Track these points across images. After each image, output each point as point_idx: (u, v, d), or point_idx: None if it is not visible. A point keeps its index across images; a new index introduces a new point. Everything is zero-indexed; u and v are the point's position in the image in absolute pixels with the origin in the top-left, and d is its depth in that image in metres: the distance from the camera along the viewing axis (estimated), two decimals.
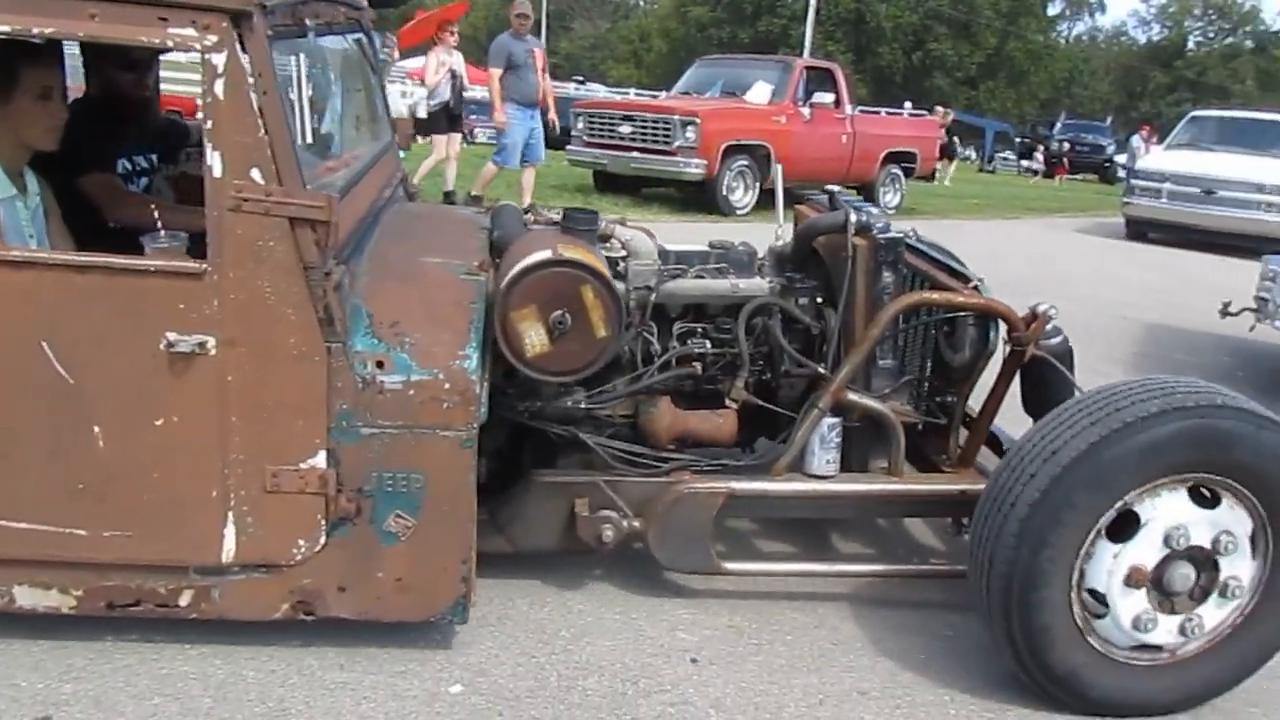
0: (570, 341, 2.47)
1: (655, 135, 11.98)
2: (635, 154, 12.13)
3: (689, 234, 3.09)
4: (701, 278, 3.03)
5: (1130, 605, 2.41)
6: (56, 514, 2.30)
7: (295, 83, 2.40)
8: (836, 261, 2.99)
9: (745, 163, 12.27)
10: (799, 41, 31.00)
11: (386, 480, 2.39)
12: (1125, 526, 2.38)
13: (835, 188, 3.23)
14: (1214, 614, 2.48)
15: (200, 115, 2.16)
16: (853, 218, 2.92)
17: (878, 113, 17.74)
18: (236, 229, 2.18)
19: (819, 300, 3.05)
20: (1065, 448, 2.30)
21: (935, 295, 2.90)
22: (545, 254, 2.43)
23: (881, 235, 2.91)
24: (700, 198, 12.28)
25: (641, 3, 53.48)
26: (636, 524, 2.77)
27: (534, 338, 2.45)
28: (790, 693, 2.54)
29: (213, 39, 2.09)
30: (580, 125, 12.76)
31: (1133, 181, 14.22)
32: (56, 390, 2.22)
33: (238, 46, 2.11)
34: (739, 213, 12.26)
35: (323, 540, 2.40)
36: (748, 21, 37.66)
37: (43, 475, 2.27)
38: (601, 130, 12.64)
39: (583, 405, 2.81)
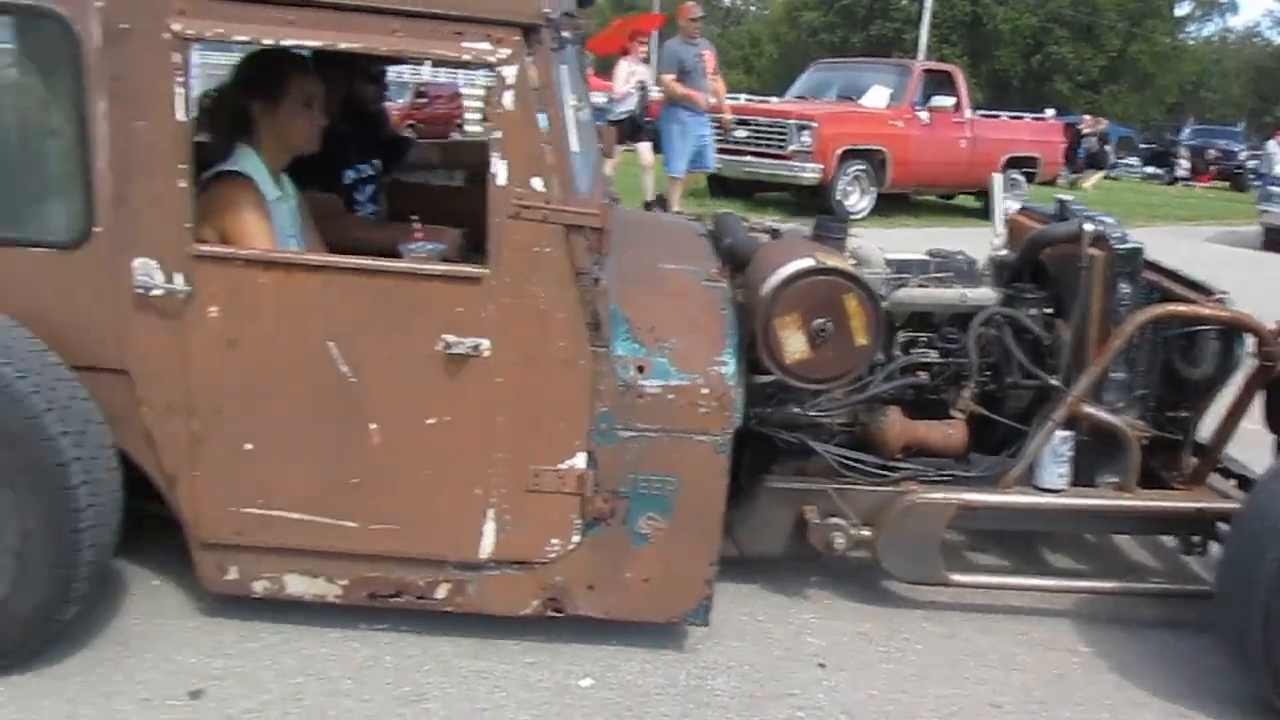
0: (830, 349, 2.48)
1: (770, 139, 11.90)
2: (749, 158, 12.06)
3: None
4: (924, 286, 3.01)
5: None
6: (331, 506, 2.41)
7: (561, 93, 2.46)
8: (1067, 272, 2.94)
9: (861, 167, 12.13)
10: (912, 45, 30.51)
11: (641, 482, 2.44)
12: None
13: (1066, 196, 3.18)
14: None
15: (488, 126, 2.23)
16: (1088, 228, 2.87)
17: (998, 116, 17.38)
18: (515, 235, 2.25)
19: (1048, 311, 3.00)
20: None
21: (1181, 308, 2.83)
22: (808, 262, 2.44)
23: (1119, 246, 2.86)
24: (814, 202, 12.12)
25: (752, 8, 53.30)
26: (865, 532, 2.77)
27: (794, 344, 2.47)
28: (923, 702, 2.51)
29: (505, 52, 2.16)
30: None
31: (1270, 188, 13.63)
32: (339, 388, 2.32)
33: (526, 59, 2.17)
34: (854, 218, 12.08)
35: (576, 539, 2.46)
36: (860, 25, 37.15)
37: (320, 469, 2.38)
38: (716, 135, 12.65)
39: (809, 412, 2.83)
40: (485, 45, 2.16)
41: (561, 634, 2.64)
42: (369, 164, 3.44)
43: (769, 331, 2.46)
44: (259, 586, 2.49)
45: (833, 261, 2.48)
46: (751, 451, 2.95)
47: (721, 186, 13.19)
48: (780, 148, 11.84)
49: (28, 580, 2.22)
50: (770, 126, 11.99)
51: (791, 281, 2.43)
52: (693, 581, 2.53)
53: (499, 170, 2.22)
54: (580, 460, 2.40)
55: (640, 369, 2.39)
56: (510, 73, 2.17)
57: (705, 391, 2.39)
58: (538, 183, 2.23)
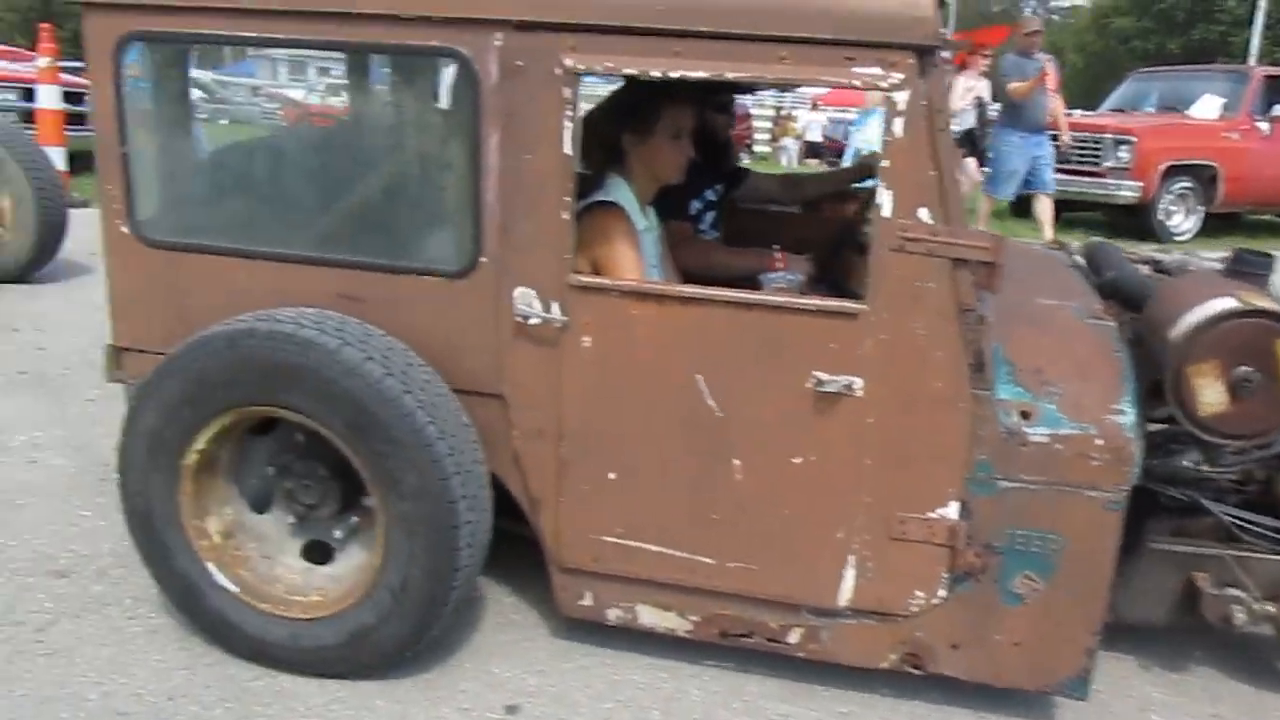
0: (1256, 402, 2.19)
1: (1082, 155, 11.12)
2: (1058, 175, 11.30)
3: None
4: None
5: None
6: (688, 540, 2.37)
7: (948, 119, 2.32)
8: None
9: (1188, 184, 11.15)
10: (1239, 50, 27.81)
11: (1019, 538, 2.24)
12: None
13: None
14: None
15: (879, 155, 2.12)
16: None
17: None
18: (896, 269, 2.12)
19: None
20: None
21: None
22: (1230, 302, 2.16)
23: None
24: (1130, 223, 11.26)
25: (1055, 17, 50.50)
26: (1270, 609, 2.44)
27: (1211, 395, 2.19)
28: None
29: (898, 76, 2.04)
30: None
31: None
32: (705, 422, 2.28)
33: (919, 83, 2.05)
34: (1177, 240, 11.08)
35: (942, 594, 2.30)
36: (1179, 30, 34.26)
37: (681, 502, 2.34)
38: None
39: (1201, 467, 2.51)
40: (877, 70, 2.05)
41: (874, 685, 2.50)
42: (712, 189, 3.43)
43: (1181, 379, 2.19)
44: (612, 614, 2.50)
45: (1261, 302, 2.18)
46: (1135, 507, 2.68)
47: (1025, 207, 12.46)
48: (1094, 164, 11.12)
49: (397, 617, 2.32)
50: (1083, 141, 11.21)
51: (1212, 324, 2.16)
52: (1071, 649, 2.30)
53: (884, 201, 2.10)
54: (952, 510, 2.24)
55: (1025, 415, 2.19)
56: (902, 98, 2.05)
57: (1100, 443, 2.16)
58: (924, 213, 2.09)
